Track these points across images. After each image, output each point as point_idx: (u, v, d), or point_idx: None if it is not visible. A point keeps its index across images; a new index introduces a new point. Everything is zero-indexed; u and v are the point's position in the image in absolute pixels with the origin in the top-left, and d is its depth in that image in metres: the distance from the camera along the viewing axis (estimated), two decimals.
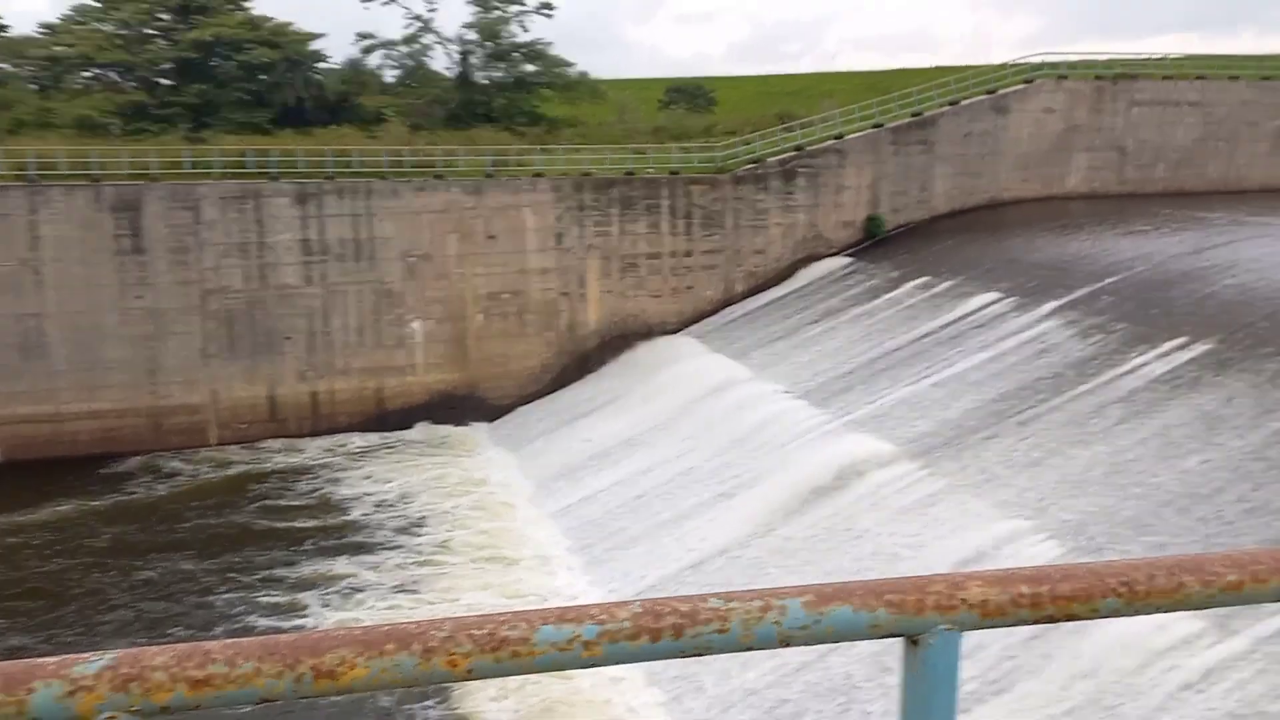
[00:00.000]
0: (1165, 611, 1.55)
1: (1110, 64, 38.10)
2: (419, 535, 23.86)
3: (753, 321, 32.08)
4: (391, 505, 25.85)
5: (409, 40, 43.38)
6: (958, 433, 20.99)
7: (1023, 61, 37.20)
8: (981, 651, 14.26)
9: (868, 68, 59.52)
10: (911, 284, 29.80)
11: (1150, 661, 12.81)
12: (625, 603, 1.36)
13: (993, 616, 1.46)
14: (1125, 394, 20.26)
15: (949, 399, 22.57)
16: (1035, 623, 1.49)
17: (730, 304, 33.89)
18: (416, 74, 43.77)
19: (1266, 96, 38.88)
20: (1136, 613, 1.53)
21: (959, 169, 35.84)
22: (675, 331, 33.44)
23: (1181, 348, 21.12)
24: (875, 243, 34.70)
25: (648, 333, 33.47)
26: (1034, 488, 18.00)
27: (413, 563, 22.41)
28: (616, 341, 33.28)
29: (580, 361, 33.15)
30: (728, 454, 23.82)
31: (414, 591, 21.14)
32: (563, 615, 1.33)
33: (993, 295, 27.00)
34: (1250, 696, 11.90)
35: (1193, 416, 18.50)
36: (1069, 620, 1.50)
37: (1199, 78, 38.54)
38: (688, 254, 33.57)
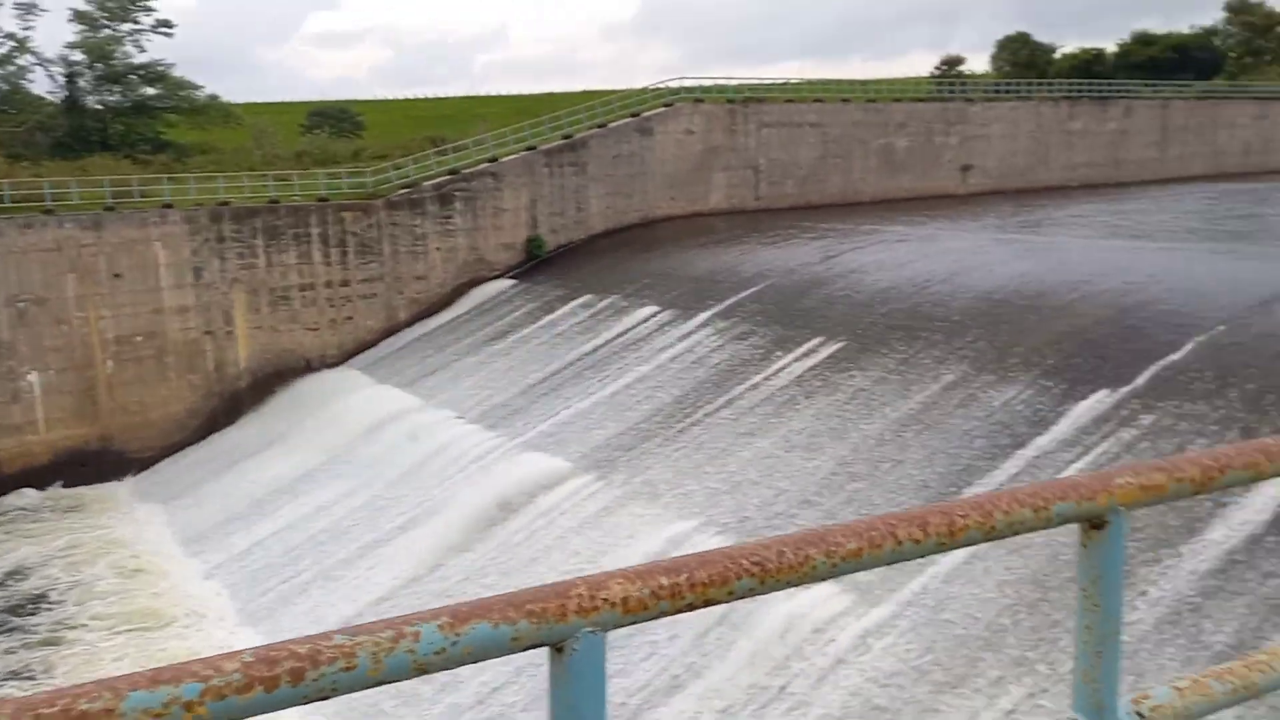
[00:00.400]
0: (796, 585, 1.61)
1: (740, 89, 40.94)
2: (40, 613, 20.87)
3: (419, 349, 31.22)
4: (1, 584, 22.45)
5: (1, 62, 38.49)
6: (630, 442, 21.40)
7: (662, 86, 39.15)
8: (664, 649, 14.47)
9: (517, 91, 60.36)
10: (575, 302, 30.26)
11: (810, 638, 13.53)
12: (234, 653, 1.22)
13: (635, 612, 1.46)
14: (775, 392, 21.56)
15: (618, 411, 23.00)
16: (676, 612, 1.50)
17: (394, 332, 32.80)
18: (13, 99, 38.86)
19: (873, 117, 43.37)
20: (770, 589, 1.57)
21: (612, 189, 36.98)
22: (337, 364, 31.85)
23: (817, 348, 22.82)
24: (538, 264, 34.98)
25: (307, 368, 31.64)
26: (702, 488, 18.66)
27: (25, 645, 19.53)
28: (272, 379, 31.17)
29: (233, 403, 30.72)
30: (402, 486, 22.88)
31: (30, 677, 18.42)
32: (157, 677, 1.18)
33: (651, 309, 27.96)
34: (898, 655, 12.84)
35: (838, 405, 19.97)
36: (707, 605, 1.51)
37: (816, 100, 42.32)
38: (344, 283, 32.12)
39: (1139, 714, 2.23)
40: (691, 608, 1.52)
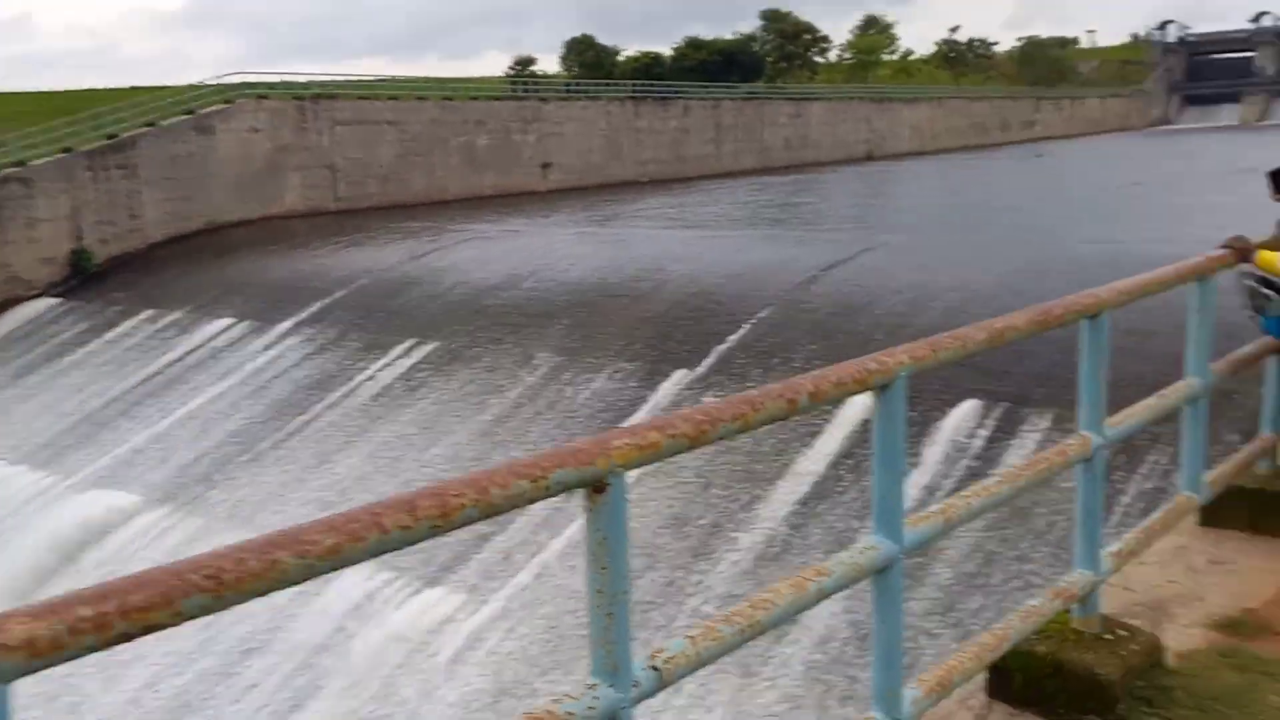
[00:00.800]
0: (264, 593, 1.52)
1: (309, 85, 39.32)
2: None
3: None
4: None
5: None
6: (212, 466, 19.79)
7: (220, 82, 36.56)
8: (266, 678, 13.55)
9: (48, 88, 53.81)
10: (137, 318, 27.49)
11: (418, 648, 13.28)
12: None
13: (47, 655, 1.28)
14: (369, 400, 20.96)
15: (197, 434, 21.18)
16: (106, 646, 1.34)
17: None
18: None
19: (451, 115, 43.45)
20: (230, 604, 1.46)
21: (171, 193, 33.94)
22: None
23: (412, 349, 22.52)
24: (88, 278, 31.30)
25: None
26: (300, 504, 17.69)
27: None
28: None
29: None
30: None
31: None
32: None
33: (226, 321, 26.09)
34: (509, 650, 12.96)
35: (440, 402, 19.83)
36: (150, 632, 1.38)
37: (392, 98, 41.67)
38: None
39: (654, 668, 2.26)
40: (128, 638, 1.37)
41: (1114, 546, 3.95)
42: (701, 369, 18.41)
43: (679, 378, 18.37)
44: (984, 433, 14.49)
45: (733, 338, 19.07)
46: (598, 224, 35.31)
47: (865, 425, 14.80)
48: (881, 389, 2.84)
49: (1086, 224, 31.00)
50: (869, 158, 71.48)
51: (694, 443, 2.32)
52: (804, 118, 67.11)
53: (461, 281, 25.79)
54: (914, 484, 13.43)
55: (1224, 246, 4.56)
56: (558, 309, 22.62)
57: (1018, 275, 19.04)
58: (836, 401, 2.84)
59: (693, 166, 56.46)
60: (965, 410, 14.76)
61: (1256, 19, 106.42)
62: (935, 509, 3.09)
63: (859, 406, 14.81)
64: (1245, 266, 4.54)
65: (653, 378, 18.62)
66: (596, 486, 2.11)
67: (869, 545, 2.85)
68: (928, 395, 15.18)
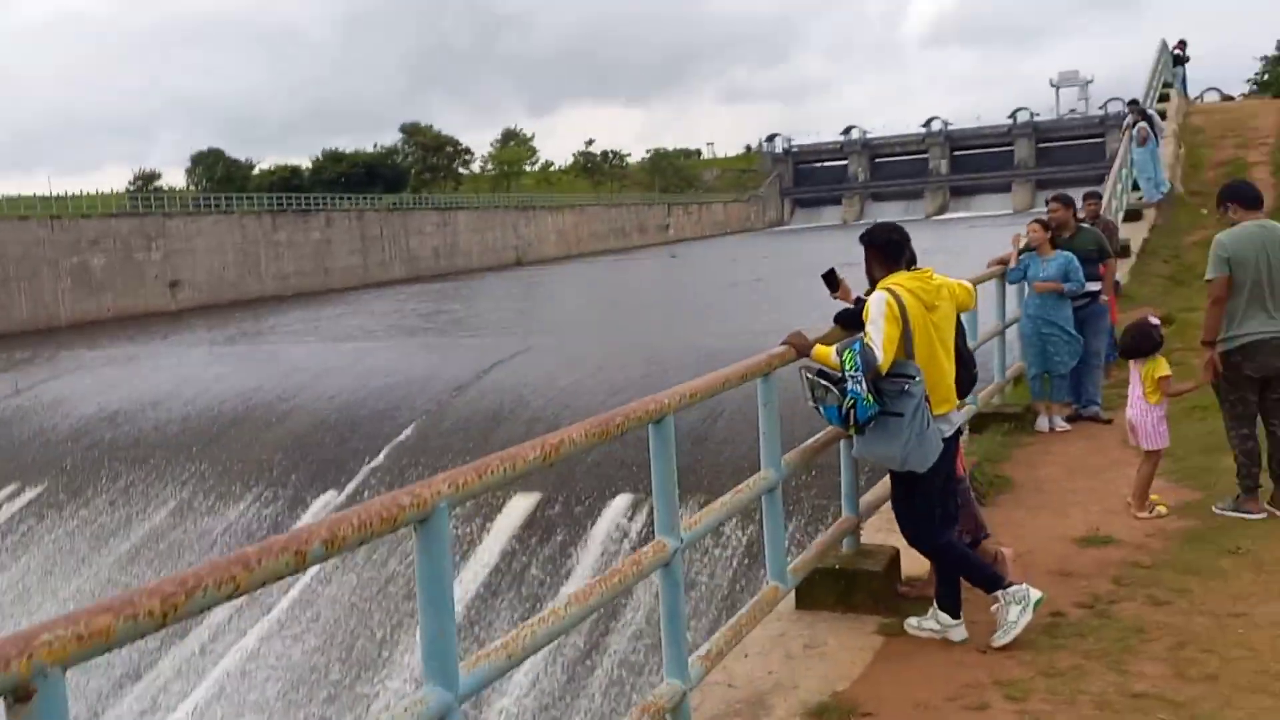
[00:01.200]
0: None
1: None
2: None
3: None
4: None
5: None
6: None
7: None
8: None
9: None
10: None
11: None
12: None
13: None
14: None
15: None
16: None
17: None
18: None
19: (60, 235, 39.59)
20: None
21: None
22: None
23: (13, 496, 19.98)
24: None
25: None
26: None
27: None
28: None
29: None
30: None
31: None
32: None
33: None
34: None
35: (41, 563, 17.54)
36: None
37: None
38: None
39: None
40: None
41: (704, 649, 3.94)
42: (351, 488, 17.57)
43: (325, 501, 17.39)
44: (638, 524, 14.82)
45: (381, 454, 18.37)
46: (232, 343, 33.35)
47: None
48: (420, 523, 2.61)
49: (715, 319, 33.31)
50: (518, 263, 73.21)
51: (162, 622, 1.95)
52: (451, 226, 67.75)
53: (73, 414, 23.27)
54: (578, 580, 13.40)
55: (784, 343, 4.84)
56: (187, 437, 20.85)
57: (653, 371, 19.90)
58: (361, 545, 2.57)
59: (339, 278, 55.02)
60: (618, 505, 15.05)
61: (846, 131, 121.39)
62: (495, 645, 2.87)
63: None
64: (804, 360, 4.82)
65: (296, 504, 17.50)
66: (19, 694, 1.71)
67: (417, 699, 2.58)
68: (581, 494, 15.36)
